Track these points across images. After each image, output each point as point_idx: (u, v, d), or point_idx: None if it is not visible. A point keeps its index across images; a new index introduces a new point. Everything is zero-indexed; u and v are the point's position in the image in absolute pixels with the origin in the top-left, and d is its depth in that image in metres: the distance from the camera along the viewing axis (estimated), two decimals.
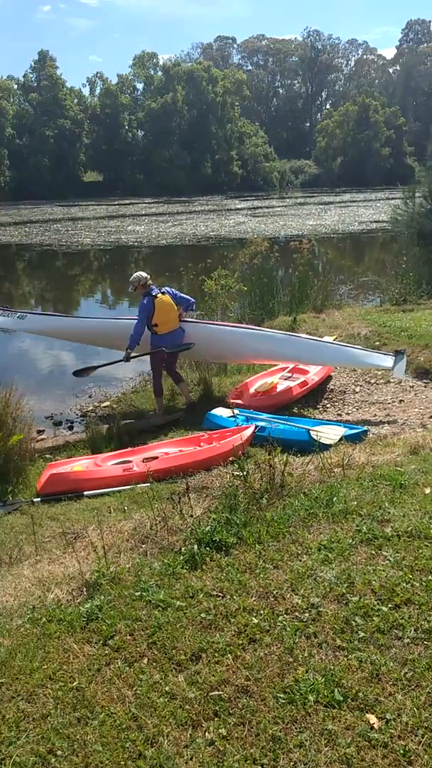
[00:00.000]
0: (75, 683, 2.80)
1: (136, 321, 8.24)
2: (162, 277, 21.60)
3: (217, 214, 44.21)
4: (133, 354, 8.21)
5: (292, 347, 8.48)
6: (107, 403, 9.58)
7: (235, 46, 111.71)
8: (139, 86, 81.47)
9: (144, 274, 8.39)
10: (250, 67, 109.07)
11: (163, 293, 8.28)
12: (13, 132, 68.89)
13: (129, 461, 6.62)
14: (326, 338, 9.88)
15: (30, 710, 2.68)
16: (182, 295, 8.60)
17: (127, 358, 8.23)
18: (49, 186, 67.68)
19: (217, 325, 9.03)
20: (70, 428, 9.00)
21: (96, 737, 2.50)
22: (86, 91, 79.04)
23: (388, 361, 8.12)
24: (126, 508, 5.48)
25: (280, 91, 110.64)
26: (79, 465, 6.66)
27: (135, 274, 8.43)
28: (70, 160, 71.56)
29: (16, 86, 73.10)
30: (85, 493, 6.12)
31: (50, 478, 6.27)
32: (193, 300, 8.75)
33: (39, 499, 6.13)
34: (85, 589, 3.59)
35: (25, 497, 6.26)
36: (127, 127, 75.87)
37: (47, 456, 7.46)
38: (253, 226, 34.05)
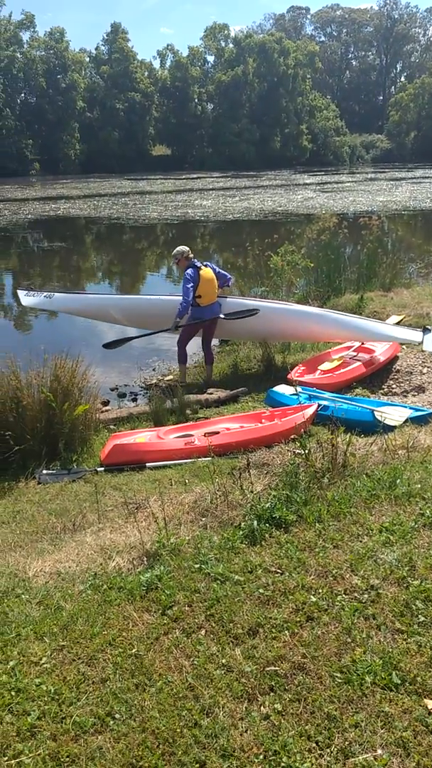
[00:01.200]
0: (134, 650, 2.86)
1: (182, 293, 8.33)
2: (227, 252, 21.56)
3: (285, 189, 43.64)
4: (180, 323, 8.37)
5: (322, 322, 8.65)
6: (171, 377, 9.64)
7: (309, 16, 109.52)
8: (210, 59, 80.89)
9: (187, 248, 8.57)
10: (323, 39, 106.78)
11: (205, 266, 8.50)
12: (84, 105, 69.50)
13: (190, 435, 6.66)
14: (393, 317, 9.68)
15: (90, 674, 2.75)
16: (221, 270, 8.79)
17: (176, 327, 8.39)
18: (118, 159, 68.17)
19: (241, 299, 9.11)
20: (134, 400, 9.12)
21: (153, 704, 2.55)
22: (156, 64, 79.01)
23: (417, 336, 8.38)
24: (187, 481, 5.53)
25: (354, 63, 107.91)
26: (142, 437, 6.73)
27: (178, 248, 8.61)
28: (139, 134, 71.80)
29: (87, 59, 73.53)
30: (147, 464, 6.20)
31: (114, 449, 6.36)
32: (230, 276, 8.93)
33: (102, 468, 6.24)
34: (145, 558, 3.65)
35: (89, 466, 6.38)
36: (196, 100, 75.50)
37: (111, 427, 7.57)
38: (322, 201, 33.49)
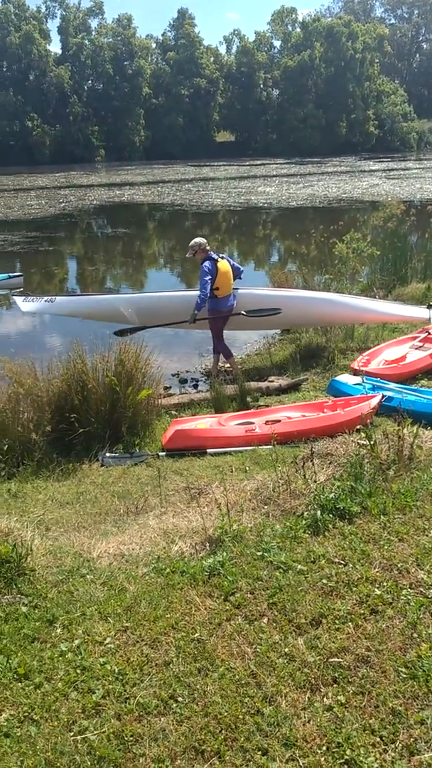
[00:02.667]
0: (196, 635, 2.87)
1: (199, 286, 8.27)
2: (289, 240, 21.37)
3: (350, 175, 42.96)
4: (198, 316, 8.30)
5: (333, 306, 9.11)
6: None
7: None
8: (277, 43, 79.98)
9: (204, 240, 8.49)
10: (393, 21, 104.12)
11: (221, 258, 8.43)
12: (150, 91, 69.85)
13: (251, 423, 6.63)
14: None
15: (153, 656, 2.78)
16: (234, 262, 8.74)
17: (194, 320, 8.31)
18: (181, 146, 68.37)
19: (256, 291, 9.28)
20: (195, 387, 9.15)
21: (215, 689, 2.56)
22: (222, 50, 78.69)
23: (424, 312, 9.24)
24: (247, 468, 5.51)
25: (424, 46, 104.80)
26: (203, 423, 6.74)
27: (196, 240, 8.52)
28: (203, 120, 71.82)
29: (154, 45, 73.77)
30: (207, 450, 6.20)
31: (175, 434, 6.39)
32: (242, 269, 8.95)
33: (164, 453, 6.28)
34: (207, 544, 3.66)
35: (151, 450, 6.43)
36: (261, 86, 74.96)
37: (172, 412, 7.61)
38: (388, 188, 32.83)
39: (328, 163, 55.96)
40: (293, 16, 79.36)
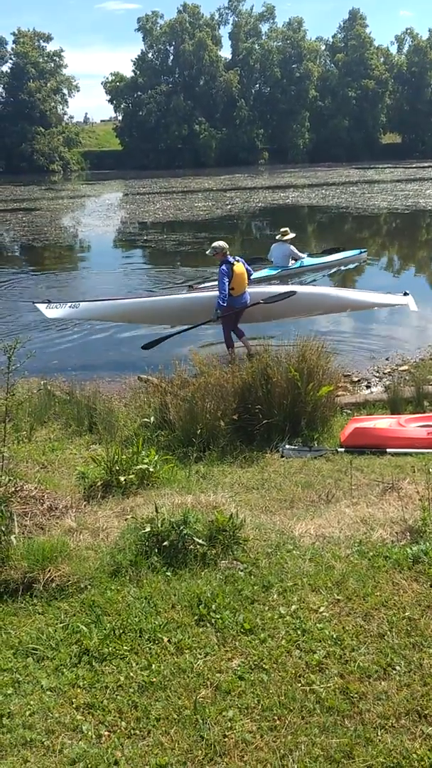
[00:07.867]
0: (407, 613, 3.03)
1: (218, 287, 9.24)
2: None
3: None
4: (220, 314, 9.22)
5: (325, 300, 10.34)
6: (405, 367, 9.58)
7: None
8: None
9: (225, 244, 9.40)
10: None
11: (237, 261, 9.38)
12: (316, 94, 69.84)
13: None
14: None
15: (367, 627, 2.97)
16: (247, 266, 9.66)
17: (217, 317, 9.28)
18: (345, 148, 67.80)
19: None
20: (368, 387, 9.20)
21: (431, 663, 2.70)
22: (393, 49, 77.03)
23: (402, 299, 10.13)
24: (431, 470, 5.54)
25: None
26: (383, 422, 6.81)
27: (219, 243, 9.44)
28: (369, 122, 70.82)
29: (323, 47, 73.65)
30: (387, 450, 6.28)
31: (355, 431, 6.51)
32: (252, 270, 9.96)
33: (342, 449, 6.43)
34: (408, 533, 3.79)
35: (329, 446, 6.60)
36: None
37: (347, 411, 7.73)
38: None
39: None
40: None
